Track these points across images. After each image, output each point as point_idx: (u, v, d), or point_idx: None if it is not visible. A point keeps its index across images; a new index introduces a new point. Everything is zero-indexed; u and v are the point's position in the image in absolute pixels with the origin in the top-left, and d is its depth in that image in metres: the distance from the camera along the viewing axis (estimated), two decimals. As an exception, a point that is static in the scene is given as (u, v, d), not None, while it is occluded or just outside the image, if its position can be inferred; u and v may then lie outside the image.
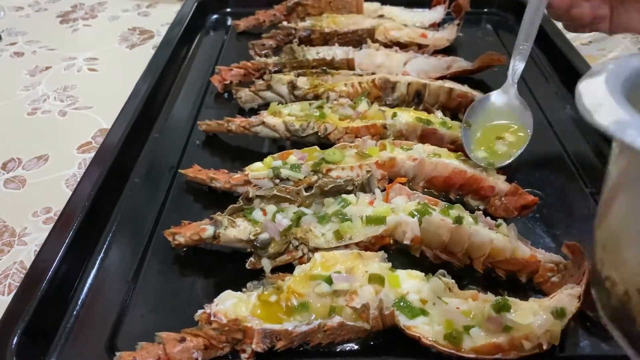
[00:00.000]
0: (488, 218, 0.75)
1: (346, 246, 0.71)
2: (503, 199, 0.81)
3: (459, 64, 1.14)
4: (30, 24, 1.57)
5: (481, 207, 0.83)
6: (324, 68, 1.09)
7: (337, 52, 1.16)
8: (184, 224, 0.76)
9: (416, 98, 1.03)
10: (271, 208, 0.75)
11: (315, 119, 0.94)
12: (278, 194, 0.76)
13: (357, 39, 1.21)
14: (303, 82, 1.05)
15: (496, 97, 0.93)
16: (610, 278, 0.43)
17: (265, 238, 0.72)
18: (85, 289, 0.72)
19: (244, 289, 0.66)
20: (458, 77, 1.12)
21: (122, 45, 1.46)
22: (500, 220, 0.75)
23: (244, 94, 1.07)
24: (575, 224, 0.82)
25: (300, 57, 1.14)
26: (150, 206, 0.85)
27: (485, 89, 1.08)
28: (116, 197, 0.87)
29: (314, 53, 1.16)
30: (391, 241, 0.74)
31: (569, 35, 1.16)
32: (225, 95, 1.14)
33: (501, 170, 0.87)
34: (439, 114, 0.96)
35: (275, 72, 1.11)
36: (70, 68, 1.35)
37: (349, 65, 1.12)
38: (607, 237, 0.44)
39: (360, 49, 1.16)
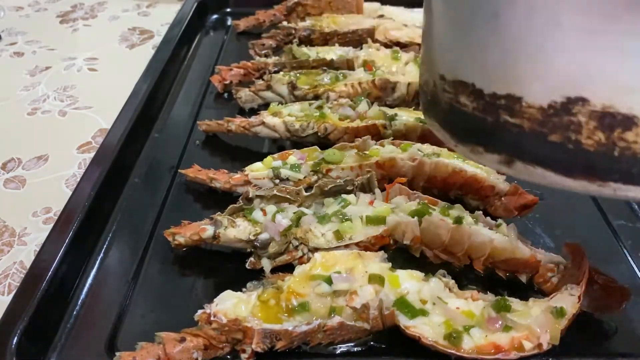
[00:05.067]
0: (488, 218, 0.75)
1: (346, 246, 0.71)
2: (503, 199, 0.81)
3: None
4: (30, 24, 1.57)
5: (481, 207, 0.83)
6: (325, 68, 1.09)
7: (337, 52, 1.16)
8: (184, 224, 0.76)
9: (416, 98, 1.03)
10: (271, 208, 0.75)
11: (315, 119, 0.94)
12: (278, 194, 0.76)
13: (357, 39, 1.21)
14: (303, 82, 1.05)
15: None
16: (424, 78, 0.48)
17: (265, 238, 0.72)
18: (85, 289, 0.72)
19: (244, 289, 0.66)
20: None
21: (122, 45, 1.46)
22: (500, 220, 0.75)
23: (244, 94, 1.07)
24: (575, 224, 0.82)
25: (299, 57, 1.14)
26: (150, 206, 0.85)
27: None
28: (116, 197, 0.87)
29: (313, 53, 1.16)
30: (391, 241, 0.74)
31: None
32: (225, 95, 1.14)
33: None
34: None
35: (275, 72, 1.11)
36: (70, 68, 1.35)
37: (349, 65, 1.12)
38: (424, 41, 0.49)
39: (361, 48, 1.16)
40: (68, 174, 0.99)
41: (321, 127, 0.92)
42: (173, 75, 1.20)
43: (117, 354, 0.59)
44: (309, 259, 0.69)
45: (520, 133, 0.40)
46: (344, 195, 0.77)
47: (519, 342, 0.60)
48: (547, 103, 0.38)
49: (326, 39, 1.24)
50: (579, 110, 0.37)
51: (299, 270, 0.66)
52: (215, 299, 0.64)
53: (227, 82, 1.12)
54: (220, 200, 0.83)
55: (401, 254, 0.76)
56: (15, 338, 0.61)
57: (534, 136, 0.39)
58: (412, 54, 1.15)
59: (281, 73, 1.09)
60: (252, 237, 0.72)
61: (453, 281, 0.66)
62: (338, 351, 0.64)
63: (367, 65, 1.09)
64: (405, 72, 1.11)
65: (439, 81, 0.45)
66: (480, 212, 0.76)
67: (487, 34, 0.40)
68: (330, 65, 1.11)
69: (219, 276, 0.74)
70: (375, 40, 1.21)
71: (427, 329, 0.61)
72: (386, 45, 1.19)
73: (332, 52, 1.16)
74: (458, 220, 0.72)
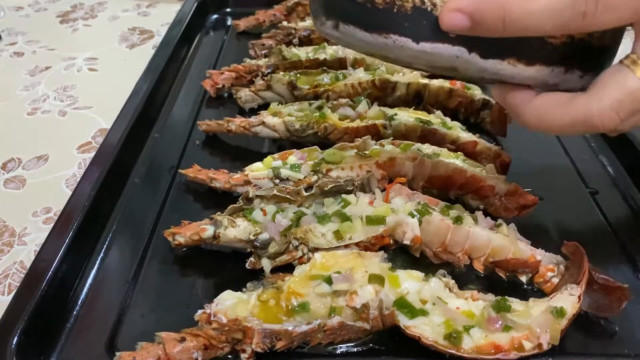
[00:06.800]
0: (488, 218, 0.75)
1: (346, 246, 0.71)
2: (503, 198, 0.81)
3: None
4: (30, 24, 1.57)
5: (481, 207, 0.83)
6: (324, 68, 1.09)
7: (327, 51, 1.15)
8: (184, 224, 0.76)
9: (416, 98, 1.03)
10: (271, 208, 0.75)
11: (315, 119, 0.94)
12: (278, 194, 0.76)
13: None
14: (303, 82, 1.05)
15: None
16: None
17: (265, 238, 0.72)
18: (85, 289, 0.72)
19: (244, 289, 0.66)
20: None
21: (122, 45, 1.46)
22: (500, 220, 0.75)
23: (244, 94, 1.07)
24: (575, 224, 0.82)
25: (290, 58, 1.14)
26: (150, 206, 0.85)
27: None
28: (116, 197, 0.87)
29: (303, 53, 1.16)
30: (391, 241, 0.74)
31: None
32: (225, 95, 1.14)
33: (501, 170, 0.87)
34: (439, 114, 0.96)
35: (268, 73, 1.11)
36: (70, 68, 1.35)
37: (341, 63, 1.12)
38: None
39: None
40: (68, 174, 0.99)
41: (321, 127, 0.92)
42: (173, 75, 1.19)
43: (117, 354, 0.59)
44: (309, 259, 0.69)
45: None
46: (344, 195, 0.77)
47: (519, 342, 0.60)
48: None
49: (326, 39, 1.24)
50: None
51: (299, 270, 0.66)
52: (215, 299, 0.64)
53: (219, 85, 1.12)
54: (220, 200, 0.83)
55: (401, 254, 0.76)
56: (15, 338, 0.61)
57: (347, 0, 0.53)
58: None
59: (281, 73, 1.09)
60: (252, 237, 0.72)
61: (453, 281, 0.66)
62: (338, 351, 0.64)
63: (358, 63, 1.10)
64: (395, 68, 1.11)
65: None
66: (480, 212, 0.76)
67: None
68: (323, 64, 1.11)
69: (219, 276, 0.74)
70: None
71: (427, 329, 0.61)
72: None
73: (322, 52, 1.15)
74: (458, 220, 0.72)
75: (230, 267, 0.74)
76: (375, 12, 0.51)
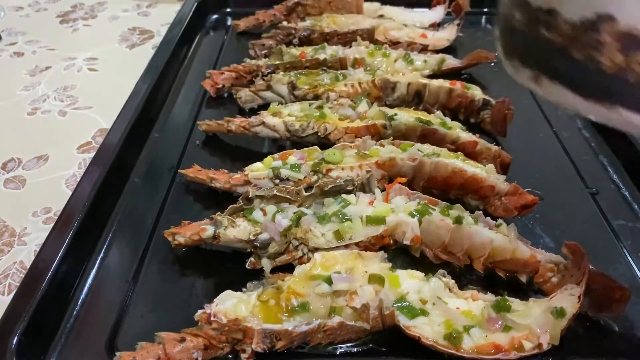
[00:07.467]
0: (488, 218, 0.75)
1: (346, 246, 0.71)
2: (503, 199, 0.81)
3: (449, 62, 1.15)
4: (30, 24, 1.58)
5: (481, 207, 0.83)
6: (324, 68, 1.09)
7: (327, 51, 1.15)
8: (184, 224, 0.76)
9: (416, 98, 1.03)
10: (271, 208, 0.75)
11: (315, 119, 0.94)
12: (278, 194, 0.76)
13: (356, 39, 1.21)
14: (303, 82, 1.05)
15: None
16: None
17: (265, 238, 0.72)
18: (85, 289, 0.72)
19: (244, 289, 0.66)
20: (447, 73, 1.14)
21: (122, 45, 1.46)
22: (500, 220, 0.75)
23: (244, 94, 1.07)
24: (575, 224, 0.82)
25: (289, 59, 1.13)
26: (150, 206, 0.85)
27: (474, 83, 1.08)
28: (116, 197, 0.87)
29: None
30: (391, 241, 0.74)
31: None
32: (225, 95, 1.14)
33: (501, 170, 0.87)
34: (439, 114, 0.96)
35: (268, 73, 1.11)
36: (70, 68, 1.35)
37: (342, 64, 1.12)
38: None
39: (350, 46, 1.16)
40: (68, 174, 0.99)
41: (321, 127, 0.92)
42: (173, 75, 1.20)
43: (117, 354, 0.59)
44: (309, 259, 0.69)
45: (551, 49, 0.42)
46: (344, 195, 0.77)
47: (519, 342, 0.60)
48: (579, 19, 0.39)
49: (326, 39, 1.24)
50: (605, 29, 0.38)
51: (299, 270, 0.66)
52: (215, 299, 0.64)
53: (219, 86, 1.12)
54: (220, 200, 0.83)
55: (401, 254, 0.76)
56: (15, 338, 0.61)
57: (561, 52, 0.41)
58: (400, 51, 1.15)
59: (281, 73, 1.08)
60: (252, 237, 0.72)
61: (453, 281, 0.66)
62: (338, 351, 0.64)
63: (358, 63, 1.10)
64: (395, 68, 1.11)
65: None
66: (480, 212, 0.76)
67: None
68: (323, 64, 1.11)
69: (219, 276, 0.74)
70: (375, 41, 1.21)
71: (427, 329, 0.61)
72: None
73: (322, 52, 1.15)
74: (458, 220, 0.72)
75: (230, 267, 0.74)
76: (599, 77, 0.40)
